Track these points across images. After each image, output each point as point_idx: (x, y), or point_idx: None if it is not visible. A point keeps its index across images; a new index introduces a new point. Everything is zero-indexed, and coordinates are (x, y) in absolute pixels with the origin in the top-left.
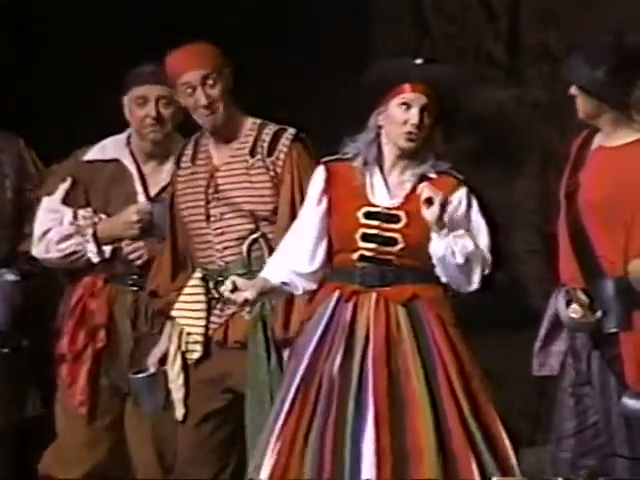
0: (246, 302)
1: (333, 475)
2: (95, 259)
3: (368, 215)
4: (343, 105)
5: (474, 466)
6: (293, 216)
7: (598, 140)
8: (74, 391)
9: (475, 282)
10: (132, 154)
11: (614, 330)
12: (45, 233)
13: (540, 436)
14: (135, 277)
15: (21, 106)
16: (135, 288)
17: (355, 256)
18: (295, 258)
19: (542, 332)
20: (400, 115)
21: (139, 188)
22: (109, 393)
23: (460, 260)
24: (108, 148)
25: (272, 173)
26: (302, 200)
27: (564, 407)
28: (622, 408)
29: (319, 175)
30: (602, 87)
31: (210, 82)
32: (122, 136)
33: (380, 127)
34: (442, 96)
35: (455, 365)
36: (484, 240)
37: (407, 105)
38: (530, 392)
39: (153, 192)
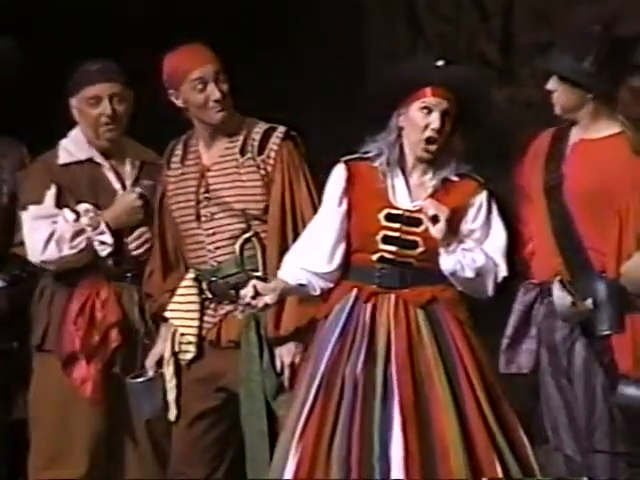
0: (266, 307)
1: (361, 475)
2: (105, 251)
3: (389, 217)
4: (337, 104)
5: (498, 466)
6: (283, 215)
7: (576, 134)
8: (86, 389)
9: (489, 291)
10: (100, 152)
11: (607, 332)
12: (50, 237)
13: (534, 434)
14: (131, 275)
15: (21, 106)
16: (136, 285)
17: (375, 257)
18: (313, 258)
19: (510, 329)
20: (421, 119)
21: (117, 185)
22: (119, 391)
23: (470, 274)
24: (73, 150)
25: (263, 172)
26: (292, 199)
27: (551, 400)
28: (619, 398)
29: (340, 174)
30: (588, 77)
31: (221, 77)
32: (77, 137)
33: (401, 128)
34: (461, 98)
35: (475, 368)
36: (500, 245)
37: (428, 109)
38: (523, 391)
39: (129, 186)
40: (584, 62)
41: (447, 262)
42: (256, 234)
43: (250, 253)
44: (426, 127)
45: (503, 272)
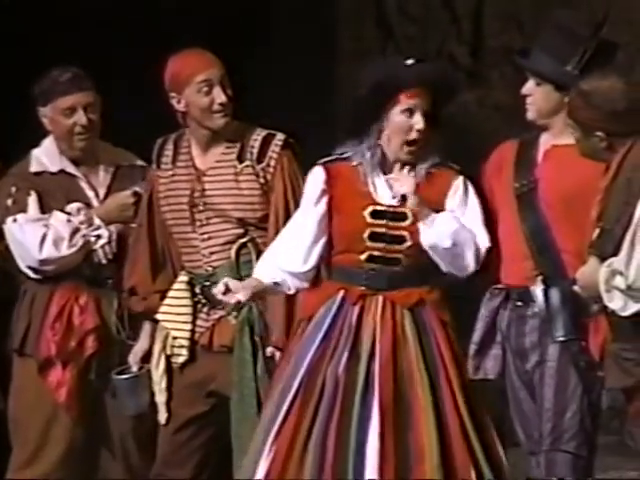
0: (238, 304)
1: (335, 476)
2: (101, 242)
3: (375, 214)
4: (306, 104)
5: (472, 471)
6: (285, 225)
7: (547, 140)
8: (60, 394)
9: (471, 264)
10: (72, 162)
11: (562, 339)
12: (44, 237)
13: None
14: (111, 280)
15: (21, 107)
16: (117, 292)
17: (363, 257)
18: (289, 257)
19: (477, 335)
20: (404, 122)
21: (90, 193)
22: (95, 396)
23: (448, 243)
24: (45, 161)
25: (262, 180)
26: (295, 207)
27: (524, 404)
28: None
29: (318, 176)
30: (571, 79)
31: (226, 82)
32: (49, 147)
33: (381, 131)
34: (436, 95)
35: (456, 371)
36: (477, 217)
37: (410, 111)
38: (493, 394)
39: (102, 194)
40: (567, 65)
41: (426, 236)
42: (252, 239)
43: (246, 259)
44: (410, 129)
45: (485, 242)
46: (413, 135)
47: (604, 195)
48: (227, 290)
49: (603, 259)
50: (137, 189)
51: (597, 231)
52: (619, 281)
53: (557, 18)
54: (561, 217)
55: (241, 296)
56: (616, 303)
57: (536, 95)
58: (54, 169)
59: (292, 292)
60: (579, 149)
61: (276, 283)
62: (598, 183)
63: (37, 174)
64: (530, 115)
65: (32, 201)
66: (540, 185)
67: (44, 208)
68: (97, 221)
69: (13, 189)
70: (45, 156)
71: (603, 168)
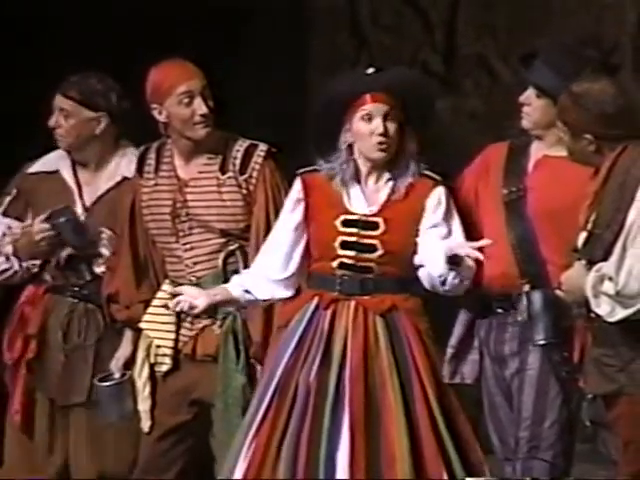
0: (192, 308)
1: (307, 476)
2: (14, 269)
3: (346, 223)
4: (282, 115)
5: (444, 474)
6: (267, 236)
7: (538, 149)
8: (13, 400)
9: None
10: (73, 164)
11: (542, 342)
12: None
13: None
14: (75, 289)
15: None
16: (73, 300)
17: (335, 264)
18: (270, 265)
19: (454, 339)
20: (364, 128)
21: (76, 198)
22: (46, 405)
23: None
24: (52, 160)
25: (244, 191)
26: (276, 218)
27: (500, 410)
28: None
29: (295, 186)
30: None
31: (207, 93)
32: (58, 152)
33: (351, 145)
34: (406, 100)
35: (430, 378)
36: (459, 236)
37: (369, 116)
38: (468, 402)
39: (89, 202)
40: (570, 82)
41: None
42: (241, 247)
43: (233, 267)
44: (371, 134)
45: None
46: (375, 139)
47: (593, 199)
48: (177, 295)
49: (590, 264)
50: (54, 223)
51: (584, 236)
52: (608, 287)
53: (563, 36)
54: (548, 229)
55: (200, 302)
56: (603, 309)
57: (534, 105)
58: (52, 168)
59: (273, 300)
60: (568, 152)
61: (246, 291)
62: (586, 192)
63: (32, 174)
64: (525, 124)
65: (7, 200)
66: (529, 195)
67: (21, 207)
68: (9, 250)
69: (10, 186)
70: (55, 155)
71: (592, 174)
